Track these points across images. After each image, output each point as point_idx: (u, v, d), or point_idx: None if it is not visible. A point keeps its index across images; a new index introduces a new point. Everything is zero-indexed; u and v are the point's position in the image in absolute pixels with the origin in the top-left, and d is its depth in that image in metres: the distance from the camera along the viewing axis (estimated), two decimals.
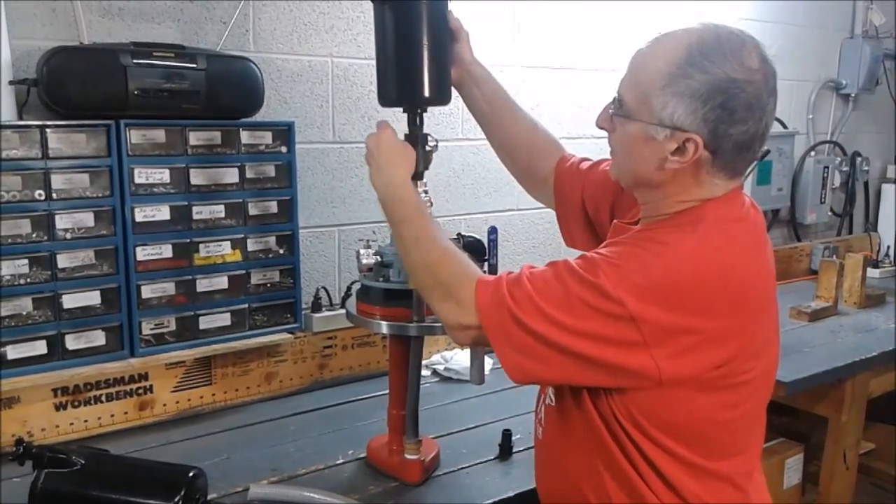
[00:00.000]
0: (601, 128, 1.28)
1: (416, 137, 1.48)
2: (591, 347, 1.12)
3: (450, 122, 2.51)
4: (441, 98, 1.47)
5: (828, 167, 3.64)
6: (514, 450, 1.74)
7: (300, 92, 2.19)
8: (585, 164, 1.57)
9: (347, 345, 2.16)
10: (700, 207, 1.20)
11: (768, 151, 2.45)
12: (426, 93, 1.44)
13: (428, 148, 1.50)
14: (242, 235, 1.95)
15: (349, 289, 2.17)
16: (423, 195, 1.50)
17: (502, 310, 1.16)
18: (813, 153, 3.65)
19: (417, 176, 1.49)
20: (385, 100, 1.48)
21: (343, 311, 1.87)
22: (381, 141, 1.38)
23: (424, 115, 1.49)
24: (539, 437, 1.40)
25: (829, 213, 3.78)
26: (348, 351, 2.16)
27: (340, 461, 1.70)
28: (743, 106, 1.13)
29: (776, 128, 3.44)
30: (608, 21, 2.76)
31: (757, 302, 1.19)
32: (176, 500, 1.31)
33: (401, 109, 1.50)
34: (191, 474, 1.36)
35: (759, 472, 1.31)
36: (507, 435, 1.74)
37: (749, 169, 1.24)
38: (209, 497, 1.43)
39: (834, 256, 3.30)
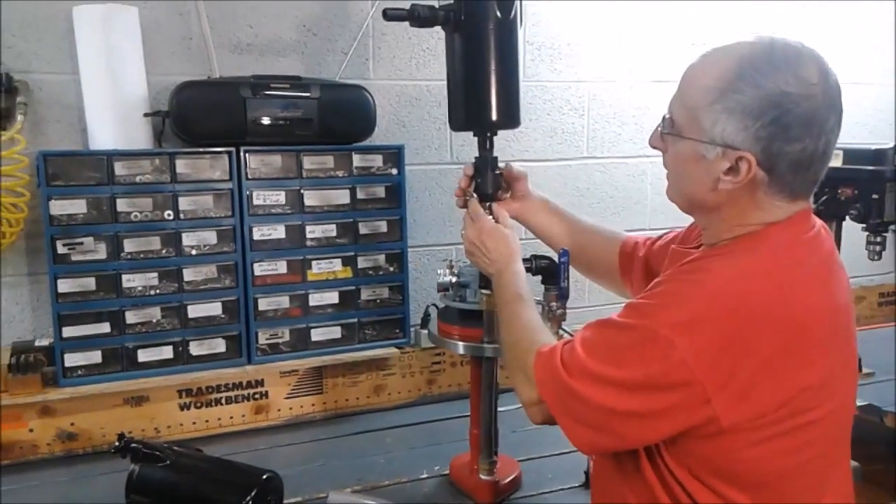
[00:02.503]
0: (654, 147, 1.22)
1: (486, 160, 1.50)
2: (647, 400, 1.05)
3: (573, 140, 2.49)
4: (509, 122, 1.48)
5: None
6: None
7: (418, 115, 2.27)
8: (648, 241, 1.53)
9: (456, 361, 2.19)
10: (761, 232, 1.12)
11: None
12: (494, 117, 1.46)
13: (497, 171, 1.52)
14: (353, 253, 2.06)
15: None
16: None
17: (557, 381, 1.12)
18: None
19: (488, 198, 1.51)
20: (455, 124, 1.51)
21: None
22: (480, 233, 1.44)
23: (494, 137, 1.51)
24: (591, 468, 1.36)
25: None
26: (457, 367, 2.20)
27: (424, 476, 1.74)
28: (798, 122, 1.05)
29: None
30: (721, 32, 2.61)
31: (819, 329, 1.09)
32: (247, 500, 1.41)
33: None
34: (264, 477, 1.45)
35: None
36: None
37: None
38: (287, 501, 1.52)
39: None
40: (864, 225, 2.20)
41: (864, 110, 2.86)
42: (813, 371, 1.08)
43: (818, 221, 1.18)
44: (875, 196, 2.14)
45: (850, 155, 2.20)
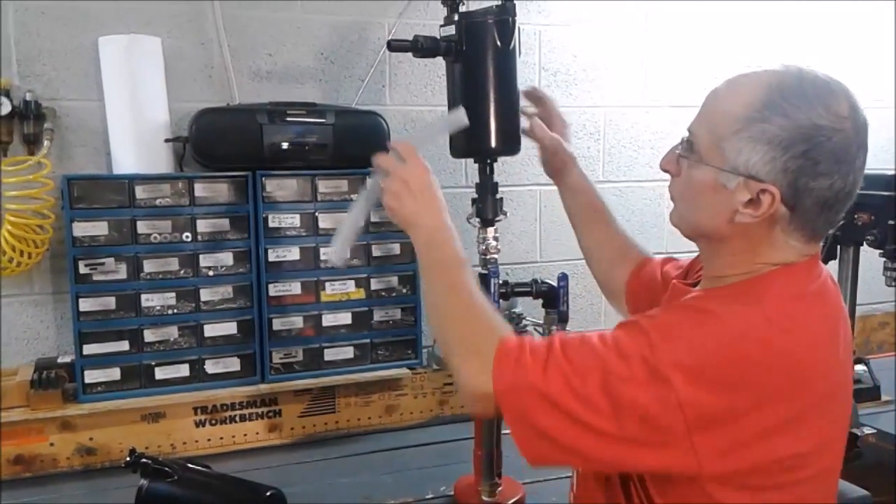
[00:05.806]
0: (665, 170, 1.18)
1: (487, 186, 1.54)
2: (626, 429, 0.99)
3: (590, 164, 2.51)
4: (509, 149, 1.52)
5: None
6: None
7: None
8: (658, 267, 1.49)
9: None
10: (766, 276, 1.08)
11: None
12: (493, 144, 1.49)
13: (498, 196, 1.55)
14: (366, 275, 2.10)
15: None
16: (493, 241, 1.55)
17: (527, 384, 1.02)
18: None
19: (488, 223, 1.54)
20: (456, 151, 1.55)
21: None
22: (416, 176, 1.28)
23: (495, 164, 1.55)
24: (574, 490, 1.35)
25: None
26: None
27: (429, 496, 1.76)
28: (829, 157, 1.00)
29: None
30: (739, 57, 2.61)
31: (822, 388, 1.05)
32: None
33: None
34: (268, 494, 1.50)
35: None
36: None
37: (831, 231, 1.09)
38: None
39: None
40: (881, 251, 2.18)
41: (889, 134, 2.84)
42: (810, 437, 1.05)
43: (825, 270, 1.12)
44: (892, 222, 2.12)
45: (866, 180, 2.16)
